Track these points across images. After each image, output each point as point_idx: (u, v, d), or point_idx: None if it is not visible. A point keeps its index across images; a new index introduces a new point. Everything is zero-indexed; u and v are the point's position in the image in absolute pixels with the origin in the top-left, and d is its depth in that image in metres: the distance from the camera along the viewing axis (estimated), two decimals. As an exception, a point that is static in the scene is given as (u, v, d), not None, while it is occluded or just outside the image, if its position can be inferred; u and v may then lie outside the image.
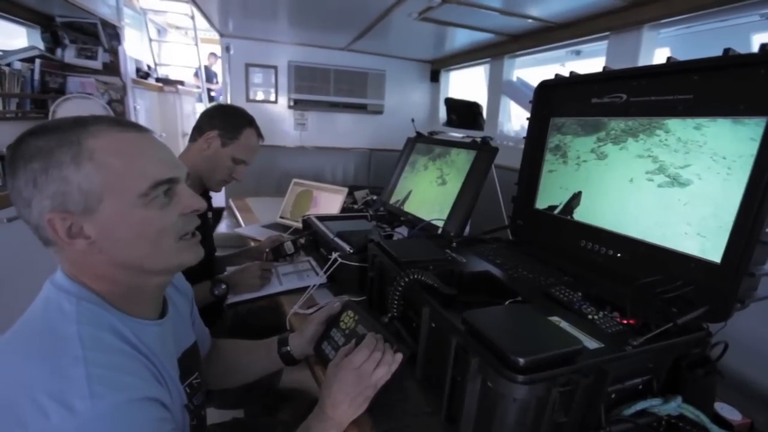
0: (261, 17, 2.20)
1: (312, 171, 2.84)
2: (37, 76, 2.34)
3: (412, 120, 1.88)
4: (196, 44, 4.03)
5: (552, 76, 1.12)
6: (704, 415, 0.63)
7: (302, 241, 1.45)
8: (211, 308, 1.26)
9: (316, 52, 2.72)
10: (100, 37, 2.68)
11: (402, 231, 1.47)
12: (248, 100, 2.73)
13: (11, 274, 1.63)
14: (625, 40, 1.50)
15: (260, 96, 2.77)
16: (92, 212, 0.53)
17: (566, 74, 1.08)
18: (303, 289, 1.16)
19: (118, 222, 0.54)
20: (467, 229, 1.41)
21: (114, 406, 0.46)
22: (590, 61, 2.30)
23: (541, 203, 1.16)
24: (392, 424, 0.70)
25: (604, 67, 1.01)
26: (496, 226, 1.28)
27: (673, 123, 0.86)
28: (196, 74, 4.56)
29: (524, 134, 1.21)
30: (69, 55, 2.57)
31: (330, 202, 1.88)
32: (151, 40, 3.96)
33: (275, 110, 2.81)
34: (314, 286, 1.16)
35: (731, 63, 0.73)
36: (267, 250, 1.42)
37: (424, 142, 1.73)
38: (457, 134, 2.55)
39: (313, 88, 2.77)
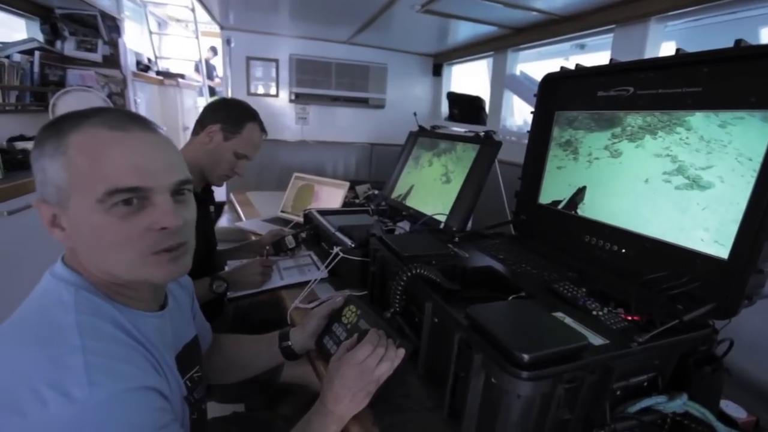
0: (262, 10, 2.18)
1: (313, 165, 2.83)
2: (36, 69, 2.33)
3: (415, 114, 1.87)
4: (197, 37, 4.00)
5: (556, 70, 1.11)
6: (710, 412, 0.62)
7: (303, 235, 1.44)
8: (212, 303, 1.26)
9: (317, 46, 2.69)
10: (99, 29, 2.66)
11: (404, 226, 1.46)
12: (249, 93, 2.71)
13: (11, 267, 1.63)
14: (631, 33, 1.48)
15: (261, 90, 2.75)
16: (64, 207, 0.53)
17: (571, 68, 1.07)
18: (304, 284, 1.16)
19: (81, 222, 0.53)
20: (470, 224, 1.40)
21: (112, 395, 0.46)
22: (595, 55, 2.27)
23: (544, 198, 1.15)
24: (394, 419, 0.69)
25: (611, 60, 0.99)
26: (498, 221, 1.27)
27: (696, 120, 0.80)
28: (197, 69, 4.54)
29: (527, 129, 1.19)
30: (69, 48, 2.55)
31: (331, 196, 1.87)
32: (151, 32, 3.93)
33: (276, 104, 2.79)
34: (315, 280, 1.15)
35: (743, 55, 0.71)
36: (268, 247, 1.41)
37: (426, 136, 1.71)
38: (459, 129, 2.53)
39: (314, 82, 2.75)
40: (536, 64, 2.46)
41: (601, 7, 1.52)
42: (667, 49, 1.48)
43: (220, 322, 1.33)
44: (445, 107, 2.96)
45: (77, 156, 0.52)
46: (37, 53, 2.32)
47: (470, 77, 3.07)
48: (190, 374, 0.71)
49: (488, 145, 1.32)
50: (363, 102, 2.90)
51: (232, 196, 2.41)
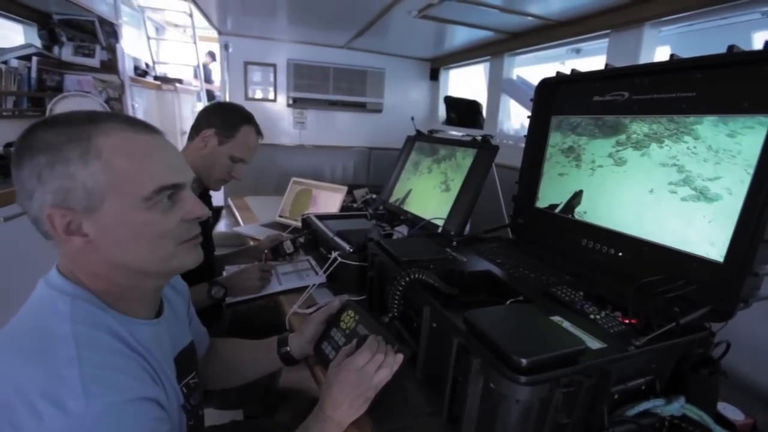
0: (260, 15, 2.19)
1: (311, 170, 2.83)
2: (34, 74, 2.32)
3: (412, 118, 1.88)
4: (195, 42, 4.00)
5: (552, 75, 1.11)
6: (707, 415, 0.62)
7: (301, 240, 1.44)
8: (209, 308, 1.25)
9: (315, 50, 2.71)
10: (97, 34, 2.66)
11: (402, 230, 1.47)
12: (247, 98, 2.71)
13: (8, 273, 1.62)
14: (626, 38, 1.49)
15: (259, 94, 2.76)
16: (93, 211, 0.52)
17: (567, 72, 1.07)
18: (302, 289, 1.16)
19: (119, 223, 0.54)
20: (467, 228, 1.40)
21: (109, 406, 0.46)
22: (590, 60, 2.29)
23: (543, 202, 1.15)
24: (393, 424, 0.69)
25: (607, 65, 1.00)
26: (496, 225, 1.27)
27: (704, 128, 0.78)
28: (196, 74, 4.54)
29: (524, 133, 1.20)
30: (66, 53, 2.55)
31: (329, 200, 1.87)
32: (149, 38, 3.93)
33: (274, 108, 2.80)
34: (314, 285, 1.15)
35: (735, 60, 0.72)
36: (266, 251, 1.41)
37: (423, 140, 1.72)
38: (456, 133, 2.54)
39: (312, 87, 2.76)
40: (533, 69, 2.47)
41: (597, 13, 1.54)
42: (662, 54, 1.49)
43: (218, 327, 1.32)
44: (442, 111, 2.98)
45: (116, 158, 0.53)
46: (34, 59, 2.32)
47: (467, 82, 3.09)
48: (186, 380, 0.71)
49: (485, 149, 1.33)
50: (361, 106, 2.91)
51: (230, 201, 2.41)
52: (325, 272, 1.17)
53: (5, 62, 2.18)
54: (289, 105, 2.79)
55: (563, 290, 0.84)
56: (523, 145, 1.20)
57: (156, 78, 3.70)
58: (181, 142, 3.77)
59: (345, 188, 1.89)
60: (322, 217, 1.53)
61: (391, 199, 1.68)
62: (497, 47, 2.20)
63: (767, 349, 0.90)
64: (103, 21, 2.68)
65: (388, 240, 1.11)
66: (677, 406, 0.62)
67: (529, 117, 1.18)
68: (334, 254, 1.16)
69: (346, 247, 1.18)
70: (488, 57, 2.34)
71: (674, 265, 0.80)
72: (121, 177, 0.53)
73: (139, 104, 3.06)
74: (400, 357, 0.71)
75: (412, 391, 0.77)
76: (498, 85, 2.27)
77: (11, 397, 0.44)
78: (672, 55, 0.83)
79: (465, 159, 1.39)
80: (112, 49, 2.76)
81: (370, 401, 0.69)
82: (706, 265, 0.75)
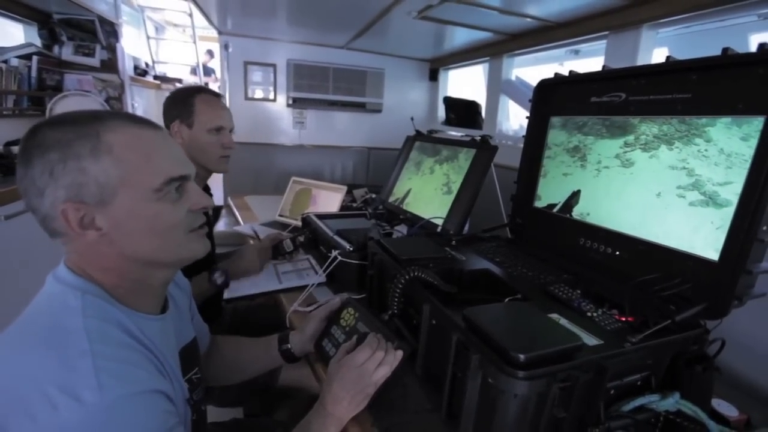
0: (260, 15, 2.20)
1: (311, 169, 2.84)
2: (34, 74, 2.33)
3: (412, 118, 1.89)
4: (194, 42, 4.01)
5: (551, 75, 1.13)
6: (702, 410, 0.63)
7: (301, 239, 1.45)
8: (210, 306, 1.26)
9: (315, 51, 2.72)
10: (97, 34, 2.67)
11: (401, 229, 1.48)
12: (247, 98, 2.72)
13: (10, 271, 1.62)
14: (624, 40, 1.51)
15: (259, 94, 2.76)
16: (106, 204, 0.54)
17: (565, 73, 1.09)
18: (302, 288, 1.16)
19: (131, 215, 0.55)
20: (466, 228, 1.41)
21: (122, 398, 0.47)
22: (589, 61, 2.30)
23: (543, 201, 1.16)
24: (393, 420, 0.70)
25: (604, 66, 1.02)
26: (495, 224, 1.28)
27: (716, 131, 0.75)
28: (194, 72, 4.55)
29: (523, 133, 1.21)
30: (66, 53, 2.56)
31: (329, 200, 1.88)
32: (149, 37, 3.94)
33: (274, 108, 2.80)
34: (314, 284, 1.16)
35: (730, 62, 0.73)
36: (258, 238, 1.41)
37: (423, 140, 1.73)
38: (456, 133, 2.55)
39: (311, 87, 2.77)
40: (531, 69, 2.49)
41: (595, 14, 1.55)
42: (660, 55, 1.51)
43: (219, 325, 1.33)
44: (441, 112, 2.99)
45: (126, 152, 0.55)
46: (34, 58, 2.33)
47: (467, 82, 3.10)
48: (189, 376, 0.72)
49: (484, 149, 1.34)
50: (360, 106, 2.92)
51: (230, 200, 2.42)
52: (325, 271, 1.18)
53: (5, 61, 2.18)
54: (288, 105, 2.80)
55: (561, 288, 0.85)
56: (522, 145, 1.21)
57: (156, 77, 3.70)
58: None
59: (344, 188, 1.90)
60: (321, 217, 1.54)
61: (391, 199, 1.69)
62: (496, 48, 2.22)
63: (762, 347, 0.92)
64: (103, 20, 2.69)
65: (388, 239, 1.12)
66: (672, 402, 0.63)
67: (527, 117, 1.19)
68: (334, 253, 1.17)
69: (346, 245, 1.19)
70: (487, 58, 2.35)
71: (670, 263, 0.81)
72: (131, 171, 0.55)
73: (139, 103, 3.07)
74: (399, 354, 0.72)
75: (411, 387, 0.78)
76: (497, 86, 2.29)
77: (27, 389, 0.45)
78: (668, 57, 0.84)
79: (466, 160, 1.40)
80: (112, 49, 2.77)
81: (370, 397, 0.70)
82: (702, 264, 0.76)
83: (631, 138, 0.92)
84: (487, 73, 2.43)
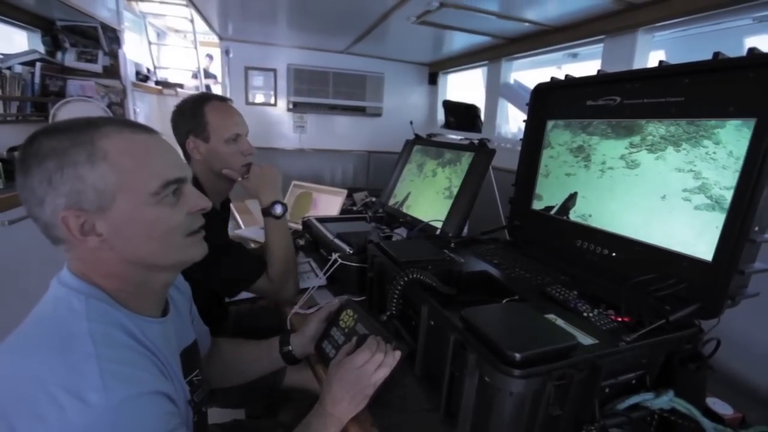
0: (260, 20, 2.22)
1: (311, 173, 2.86)
2: (37, 80, 2.35)
3: (411, 122, 1.90)
4: (196, 47, 4.04)
5: (548, 79, 1.14)
6: (695, 408, 0.64)
7: (302, 242, 1.46)
8: (215, 311, 1.27)
9: (315, 55, 2.74)
10: (100, 40, 2.70)
11: (401, 232, 1.49)
12: (248, 102, 2.75)
13: (12, 276, 1.64)
14: (621, 44, 1.52)
15: (260, 99, 2.79)
16: (105, 210, 0.55)
17: (562, 77, 1.10)
18: (303, 290, 1.18)
19: (130, 220, 0.56)
20: (465, 230, 1.42)
21: (127, 399, 0.48)
22: (587, 64, 2.32)
23: (542, 203, 1.16)
24: (392, 420, 0.71)
25: (599, 71, 1.03)
26: (493, 226, 1.30)
27: (726, 132, 0.73)
28: (195, 76, 4.58)
29: (521, 136, 1.22)
30: (69, 59, 2.59)
31: (329, 203, 1.89)
32: (150, 43, 3.98)
33: (275, 113, 2.83)
34: (314, 287, 1.17)
35: (721, 66, 0.75)
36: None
37: (422, 144, 1.74)
38: (455, 136, 2.57)
39: (312, 91, 2.79)
40: (530, 73, 2.51)
41: (591, 19, 1.57)
42: (656, 58, 1.53)
43: (222, 327, 1.34)
44: (441, 115, 3.01)
45: (122, 157, 0.55)
46: (38, 64, 2.35)
47: (466, 86, 3.12)
48: (190, 377, 0.73)
49: (483, 153, 1.35)
50: (360, 110, 2.94)
51: (231, 204, 2.43)
52: (325, 273, 1.19)
53: (9, 68, 2.21)
54: (289, 109, 2.83)
55: (558, 289, 0.86)
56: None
57: (157, 83, 3.73)
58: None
59: (345, 191, 1.91)
60: (322, 220, 1.55)
61: (391, 202, 1.71)
62: (495, 52, 2.23)
63: (756, 346, 0.93)
64: (105, 27, 2.71)
65: (387, 242, 1.14)
66: (666, 400, 0.64)
67: (524, 121, 1.20)
68: (334, 256, 1.18)
69: (346, 248, 1.21)
70: (486, 62, 2.37)
71: (666, 264, 0.82)
72: (128, 175, 0.56)
73: (141, 109, 3.09)
74: (398, 354, 0.74)
75: (410, 388, 0.79)
76: (496, 90, 2.30)
77: (34, 391, 0.46)
78: (661, 62, 0.86)
79: (468, 165, 1.40)
80: (114, 55, 2.79)
81: (370, 398, 0.71)
82: (696, 264, 0.77)
83: (637, 139, 0.90)
84: (486, 76, 2.45)
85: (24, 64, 2.30)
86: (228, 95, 2.69)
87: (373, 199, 2.12)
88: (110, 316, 0.56)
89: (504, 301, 0.85)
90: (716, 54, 0.74)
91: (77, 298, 0.54)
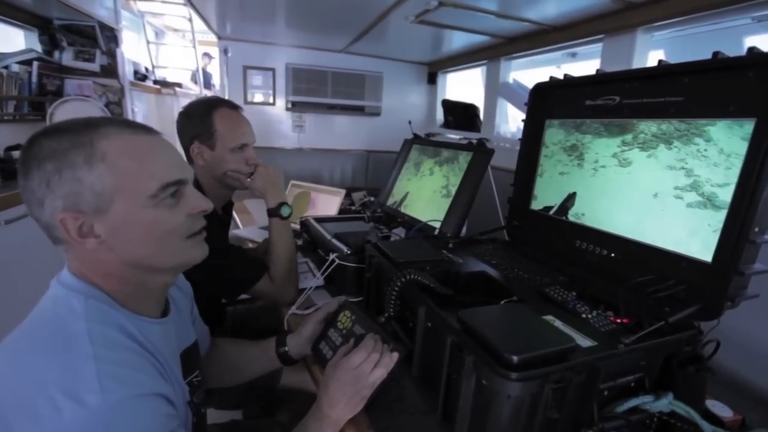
0: (259, 20, 2.21)
1: (310, 173, 2.85)
2: (34, 79, 2.34)
3: (409, 122, 1.90)
4: (194, 47, 4.03)
5: (547, 78, 1.14)
6: (695, 411, 0.64)
7: (300, 242, 1.45)
8: (214, 310, 1.26)
9: (313, 55, 2.73)
10: (97, 39, 2.69)
11: (399, 232, 1.48)
12: (246, 102, 2.74)
13: (10, 276, 1.63)
14: (620, 43, 1.52)
15: (258, 98, 2.78)
16: (103, 212, 0.54)
17: (561, 76, 1.10)
18: (301, 291, 1.17)
19: (128, 222, 0.56)
20: (464, 230, 1.42)
21: (124, 401, 0.48)
22: (586, 63, 2.31)
23: (539, 203, 1.16)
24: (389, 422, 0.71)
25: (598, 70, 1.03)
26: (493, 226, 1.29)
27: (717, 130, 0.74)
28: (194, 78, 4.57)
29: (521, 135, 1.22)
30: (67, 58, 2.57)
31: (328, 203, 1.89)
32: (148, 42, 3.96)
33: (273, 112, 2.82)
34: (312, 287, 1.17)
35: (720, 66, 0.74)
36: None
37: (420, 143, 1.74)
38: (454, 136, 2.56)
39: (310, 90, 2.79)
40: (529, 72, 2.50)
41: (590, 18, 1.56)
42: (655, 58, 1.52)
43: (221, 329, 1.33)
44: (440, 115, 3.00)
45: (120, 159, 0.55)
46: (35, 63, 2.34)
47: (465, 85, 3.11)
48: (189, 378, 0.72)
49: (481, 152, 1.35)
50: (359, 110, 2.94)
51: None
52: (323, 274, 1.18)
53: (6, 67, 2.20)
54: (288, 109, 2.82)
55: (556, 290, 0.86)
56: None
57: (155, 82, 3.72)
58: (180, 146, 3.78)
59: (343, 191, 1.91)
60: (320, 220, 1.55)
61: (389, 202, 1.70)
62: (494, 51, 2.23)
63: (756, 348, 0.92)
64: (103, 26, 2.70)
65: (384, 242, 1.13)
66: (665, 403, 0.63)
67: (523, 121, 1.20)
68: (331, 256, 1.18)
69: (344, 249, 1.20)
70: (485, 61, 2.37)
71: (665, 265, 0.81)
72: (126, 177, 0.55)
73: (139, 108, 3.08)
74: (395, 356, 0.73)
75: (408, 389, 0.79)
76: (495, 89, 2.30)
77: (31, 392, 0.46)
78: (660, 61, 0.85)
79: (467, 163, 1.40)
80: (112, 54, 2.78)
81: (367, 399, 0.71)
82: (695, 265, 0.77)
83: (629, 137, 0.91)
84: (485, 76, 2.44)
85: (21, 63, 2.28)
86: (226, 95, 2.69)
87: (372, 199, 2.11)
88: (109, 317, 0.55)
89: (502, 302, 0.84)
90: (716, 53, 0.74)
91: (77, 299, 0.54)
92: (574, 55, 2.33)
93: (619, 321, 0.75)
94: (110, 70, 2.76)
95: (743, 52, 0.72)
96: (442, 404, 0.69)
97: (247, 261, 1.13)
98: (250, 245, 1.67)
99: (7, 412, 0.46)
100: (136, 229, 0.56)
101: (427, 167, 1.60)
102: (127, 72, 2.90)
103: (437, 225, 1.32)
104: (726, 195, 0.73)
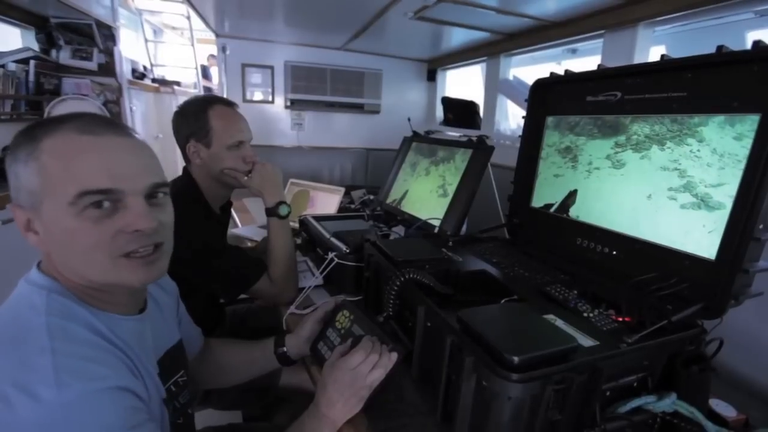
0: (257, 17, 2.20)
1: (309, 171, 2.84)
2: (31, 78, 2.33)
3: (408, 119, 1.88)
4: (192, 45, 4.01)
5: (548, 75, 1.12)
6: (699, 411, 0.63)
7: (299, 241, 1.44)
8: (211, 312, 1.26)
9: (312, 52, 2.72)
10: (95, 38, 2.67)
11: (399, 230, 1.47)
12: (245, 100, 2.72)
13: (5, 276, 1.62)
14: (621, 38, 1.50)
15: (257, 96, 2.77)
16: (37, 211, 0.53)
17: (562, 72, 1.08)
18: (300, 290, 1.16)
19: (54, 226, 0.53)
20: (464, 228, 1.41)
21: (81, 395, 0.46)
22: (587, 59, 2.30)
23: (539, 201, 1.15)
24: (388, 423, 0.70)
25: (599, 66, 1.01)
26: (493, 224, 1.28)
27: (709, 130, 0.74)
28: (206, 75, 4.55)
29: (521, 132, 1.20)
30: (64, 56, 2.56)
31: (327, 201, 1.88)
32: (146, 40, 3.94)
33: (272, 110, 2.80)
34: (311, 286, 1.16)
35: (724, 60, 0.73)
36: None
37: (419, 141, 1.73)
38: (453, 133, 2.55)
39: (309, 88, 2.77)
40: (529, 69, 2.48)
41: (591, 13, 1.55)
42: (657, 53, 1.51)
43: (219, 328, 1.33)
44: (439, 112, 2.99)
45: (49, 160, 0.52)
46: (32, 62, 2.33)
47: (464, 82, 3.10)
48: (174, 378, 0.71)
49: (481, 149, 1.33)
50: (358, 107, 2.92)
51: (231, 208, 2.41)
52: (321, 273, 1.17)
53: (3, 66, 2.18)
54: (287, 107, 2.80)
55: (557, 289, 0.85)
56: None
57: (154, 80, 3.70)
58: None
59: (342, 189, 1.90)
60: (319, 218, 1.54)
61: (388, 200, 1.69)
62: (493, 48, 2.21)
63: (760, 346, 0.91)
64: (100, 24, 2.69)
65: (384, 240, 1.12)
66: (668, 403, 0.63)
67: (523, 117, 1.19)
68: (330, 255, 1.17)
69: (343, 247, 1.19)
70: (485, 58, 2.35)
71: (667, 263, 0.80)
72: (49, 179, 0.52)
73: (137, 107, 3.07)
74: (394, 356, 0.72)
75: (407, 390, 0.78)
76: (494, 86, 2.28)
77: None
78: (663, 56, 0.84)
79: (463, 162, 1.39)
80: (109, 52, 2.76)
81: (365, 400, 0.70)
82: (699, 263, 0.76)
83: (622, 138, 0.91)
84: (485, 73, 2.42)
85: (18, 62, 2.27)
86: (225, 93, 2.67)
87: (372, 197, 2.10)
88: (72, 311, 0.53)
89: (503, 301, 0.83)
90: (719, 47, 0.73)
91: (39, 293, 0.53)
92: (574, 51, 2.31)
93: (621, 320, 0.74)
94: (108, 68, 2.75)
95: (745, 46, 0.70)
96: (441, 405, 0.68)
97: (246, 261, 1.12)
98: (249, 244, 1.66)
99: None
100: (61, 235, 0.53)
101: (423, 167, 1.59)
102: (125, 70, 2.89)
103: (437, 223, 1.31)
104: (720, 195, 0.72)
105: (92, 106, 2.50)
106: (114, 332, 0.56)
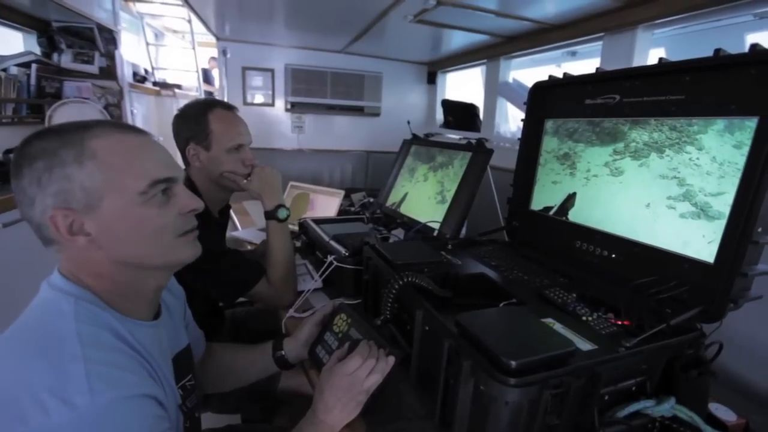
0: (257, 21, 2.21)
1: (309, 173, 2.84)
2: (33, 81, 2.34)
3: (408, 122, 1.88)
4: (194, 48, 4.03)
5: (547, 77, 1.12)
6: (698, 416, 0.63)
7: (298, 244, 1.44)
8: (212, 316, 1.25)
9: (312, 55, 2.72)
10: (96, 41, 2.69)
11: (398, 233, 1.47)
12: (246, 103, 2.73)
13: (8, 279, 1.63)
14: (620, 41, 1.50)
15: (258, 99, 2.77)
16: (93, 209, 0.54)
17: (561, 75, 1.08)
18: (299, 293, 1.16)
19: (118, 219, 0.56)
20: (464, 231, 1.41)
21: (113, 402, 0.47)
22: (586, 62, 2.30)
23: (538, 204, 1.15)
24: (386, 427, 0.70)
25: (597, 69, 1.01)
26: (493, 227, 1.28)
27: (709, 138, 0.73)
28: (207, 79, 4.57)
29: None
30: (65, 60, 2.57)
31: (327, 204, 1.88)
32: (148, 44, 3.96)
33: (273, 113, 2.81)
34: (310, 290, 1.16)
35: (722, 63, 0.73)
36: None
37: (419, 144, 1.73)
38: (453, 136, 2.55)
39: (310, 91, 2.78)
40: (529, 71, 2.49)
41: (590, 16, 1.55)
42: (656, 56, 1.51)
43: (218, 332, 1.33)
44: (439, 114, 2.99)
45: (110, 156, 0.55)
46: (33, 66, 2.34)
47: (464, 85, 3.10)
48: (182, 382, 0.72)
49: (480, 152, 1.33)
50: (358, 110, 2.93)
51: (230, 211, 2.42)
52: (320, 276, 1.17)
53: (5, 69, 2.20)
54: (287, 109, 2.81)
55: (556, 292, 0.84)
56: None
57: (155, 84, 3.72)
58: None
59: (342, 192, 1.90)
60: (319, 221, 1.54)
61: (388, 203, 1.69)
62: (493, 51, 2.22)
63: (759, 350, 0.91)
64: (102, 28, 2.70)
65: (383, 243, 1.12)
66: (667, 407, 0.62)
67: (522, 120, 1.19)
68: (329, 258, 1.17)
69: (342, 251, 1.19)
70: (485, 60, 2.35)
71: (666, 266, 0.80)
72: (116, 174, 0.55)
73: (138, 110, 3.08)
74: (391, 360, 0.72)
75: (405, 394, 0.77)
76: (494, 88, 2.28)
77: (19, 393, 0.45)
78: (661, 59, 0.84)
79: (461, 167, 1.38)
80: (111, 56, 2.78)
81: (362, 405, 0.70)
82: (697, 267, 0.76)
83: (620, 146, 0.90)
84: (485, 75, 2.43)
85: (19, 65, 2.28)
86: (225, 96, 2.68)
87: (371, 200, 2.10)
88: (99, 318, 0.55)
89: (501, 304, 0.83)
90: (717, 50, 0.73)
91: (66, 300, 0.54)
92: (573, 53, 2.31)
93: (620, 323, 0.73)
94: (109, 71, 2.77)
95: (745, 49, 0.70)
96: (439, 409, 0.68)
97: (245, 264, 1.12)
98: (249, 247, 1.66)
99: None
100: (126, 226, 0.57)
101: (422, 173, 1.59)
102: (126, 74, 2.90)
103: (436, 226, 1.31)
104: (720, 205, 0.72)
105: (93, 109, 2.51)
106: (136, 338, 0.57)
